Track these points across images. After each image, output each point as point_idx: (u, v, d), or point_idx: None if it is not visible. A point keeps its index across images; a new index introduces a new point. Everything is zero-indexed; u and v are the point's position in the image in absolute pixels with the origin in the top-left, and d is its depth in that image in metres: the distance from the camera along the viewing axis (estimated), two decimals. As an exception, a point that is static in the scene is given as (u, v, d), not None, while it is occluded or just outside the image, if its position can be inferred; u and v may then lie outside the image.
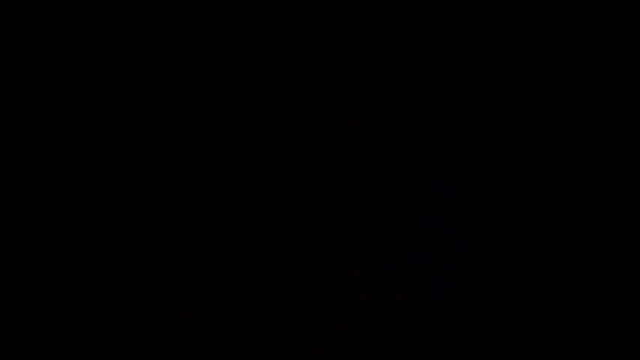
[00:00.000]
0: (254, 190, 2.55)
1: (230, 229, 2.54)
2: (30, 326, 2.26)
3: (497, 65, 2.36)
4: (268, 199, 2.53)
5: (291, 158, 2.56)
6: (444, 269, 2.43)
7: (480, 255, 2.40)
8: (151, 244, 2.53)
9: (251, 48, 2.58)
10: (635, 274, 2.11)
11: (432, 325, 2.43)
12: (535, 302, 2.17)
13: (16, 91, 2.24)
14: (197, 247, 2.54)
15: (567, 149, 2.16)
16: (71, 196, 2.29)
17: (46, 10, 2.25)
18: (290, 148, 2.55)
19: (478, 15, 2.39)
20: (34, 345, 2.26)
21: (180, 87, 2.56)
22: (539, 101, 2.17)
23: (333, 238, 2.50)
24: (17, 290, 2.26)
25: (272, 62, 2.57)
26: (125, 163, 2.33)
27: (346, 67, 2.54)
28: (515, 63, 2.20)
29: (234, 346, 2.51)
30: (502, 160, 2.29)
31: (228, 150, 2.55)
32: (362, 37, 2.54)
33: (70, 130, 2.27)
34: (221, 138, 2.55)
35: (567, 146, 2.16)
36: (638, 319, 2.10)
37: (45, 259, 2.27)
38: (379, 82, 2.52)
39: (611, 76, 2.14)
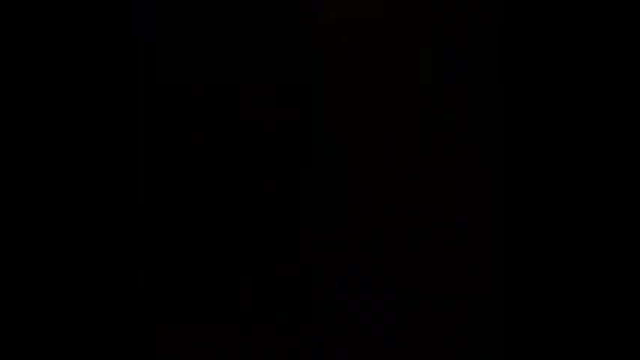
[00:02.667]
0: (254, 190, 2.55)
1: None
2: (31, 327, 2.26)
3: (497, 65, 2.36)
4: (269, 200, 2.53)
5: (294, 160, 2.55)
6: (444, 268, 2.43)
7: (480, 255, 2.40)
8: (152, 244, 2.53)
9: (251, 48, 2.58)
10: (635, 274, 2.11)
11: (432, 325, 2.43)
12: (536, 303, 2.17)
13: (13, 91, 2.24)
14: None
15: (568, 149, 2.16)
16: (71, 196, 2.28)
17: (45, 9, 2.25)
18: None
19: (476, 14, 2.39)
20: (34, 346, 2.25)
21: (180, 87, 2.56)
22: (539, 100, 2.18)
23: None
24: (17, 290, 2.26)
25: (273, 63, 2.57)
26: (126, 164, 2.33)
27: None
28: (515, 62, 2.20)
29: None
30: (502, 160, 2.28)
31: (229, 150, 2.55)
32: None
33: (70, 130, 2.27)
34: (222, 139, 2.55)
35: (568, 146, 2.16)
36: (639, 319, 2.10)
37: (45, 260, 2.27)
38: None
39: (612, 75, 2.14)
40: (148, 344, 2.50)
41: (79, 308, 2.27)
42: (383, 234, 2.45)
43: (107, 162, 2.30)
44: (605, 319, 2.12)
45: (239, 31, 2.54)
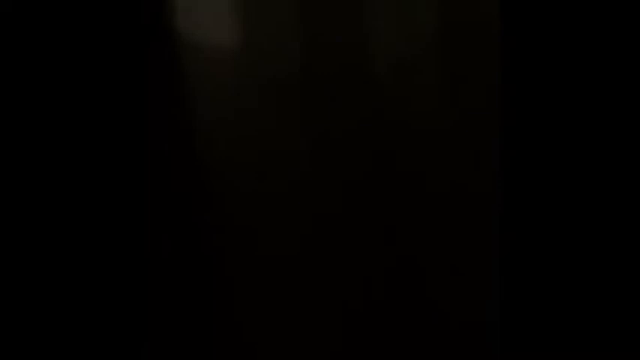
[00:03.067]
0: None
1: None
2: (29, 327, 2.27)
3: (495, 64, 2.36)
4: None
5: (298, 158, 2.56)
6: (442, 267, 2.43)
7: (479, 253, 2.40)
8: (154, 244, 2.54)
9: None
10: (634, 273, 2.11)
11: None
12: (535, 302, 2.17)
13: (20, 89, 2.25)
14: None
15: (566, 148, 2.16)
16: (73, 195, 2.29)
17: (47, 8, 2.26)
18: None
19: (475, 14, 2.39)
20: (33, 346, 2.27)
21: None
22: (536, 100, 2.17)
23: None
24: (19, 291, 2.27)
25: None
26: (129, 162, 2.33)
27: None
28: (512, 62, 2.20)
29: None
30: (499, 160, 2.28)
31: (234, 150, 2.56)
32: None
33: (74, 128, 2.28)
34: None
35: (566, 145, 2.16)
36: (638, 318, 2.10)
37: (46, 260, 2.28)
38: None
39: (611, 75, 2.14)
40: (148, 344, 2.51)
41: (77, 308, 2.28)
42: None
43: (109, 161, 2.31)
44: (604, 320, 2.13)
45: None
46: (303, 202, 2.52)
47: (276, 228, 2.53)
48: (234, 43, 2.25)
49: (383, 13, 2.22)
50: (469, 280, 2.42)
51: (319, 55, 2.24)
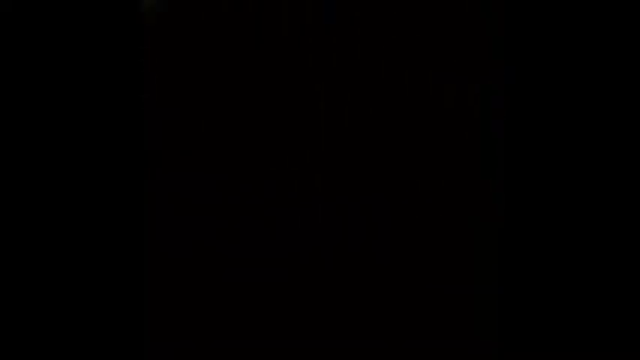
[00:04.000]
0: (260, 187, 2.55)
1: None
2: (31, 326, 2.27)
3: (498, 65, 2.36)
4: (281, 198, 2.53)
5: (299, 158, 2.56)
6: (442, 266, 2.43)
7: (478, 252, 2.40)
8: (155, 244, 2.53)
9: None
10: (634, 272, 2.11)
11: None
12: (534, 300, 2.17)
13: (20, 87, 2.25)
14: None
15: (566, 148, 2.16)
16: (73, 194, 2.29)
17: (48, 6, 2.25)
18: (296, 147, 2.55)
19: (478, 15, 2.39)
20: (34, 345, 2.26)
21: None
22: (538, 100, 2.17)
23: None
24: (19, 290, 2.27)
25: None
26: (129, 160, 2.33)
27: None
28: (515, 63, 2.20)
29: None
30: (502, 159, 2.28)
31: (232, 148, 2.56)
32: None
33: (73, 126, 2.28)
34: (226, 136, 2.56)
35: (566, 145, 2.16)
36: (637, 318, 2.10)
37: (47, 259, 2.28)
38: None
39: (611, 74, 2.14)
40: (146, 343, 2.51)
41: (76, 309, 2.28)
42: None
43: (109, 161, 2.31)
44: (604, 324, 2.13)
45: None
46: (294, 206, 2.52)
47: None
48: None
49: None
50: (469, 280, 2.43)
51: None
